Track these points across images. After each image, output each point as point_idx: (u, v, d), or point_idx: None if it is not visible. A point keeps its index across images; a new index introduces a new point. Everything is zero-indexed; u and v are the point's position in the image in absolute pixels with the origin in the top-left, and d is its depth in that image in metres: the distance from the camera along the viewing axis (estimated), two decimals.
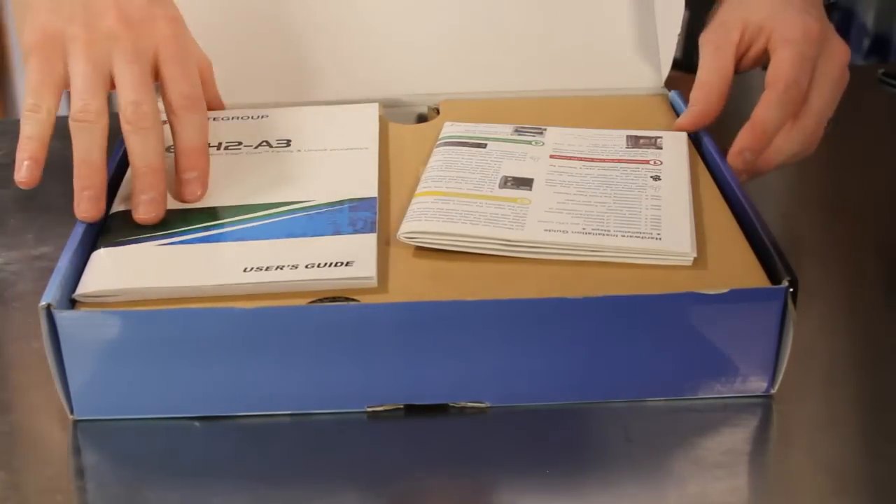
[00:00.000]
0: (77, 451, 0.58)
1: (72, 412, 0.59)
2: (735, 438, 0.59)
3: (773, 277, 0.60)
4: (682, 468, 0.56)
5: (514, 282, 0.60)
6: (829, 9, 1.81)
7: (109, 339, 0.57)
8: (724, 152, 0.71)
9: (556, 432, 0.58)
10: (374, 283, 0.60)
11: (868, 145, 0.89)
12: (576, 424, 0.59)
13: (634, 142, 0.72)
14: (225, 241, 0.63)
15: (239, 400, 0.59)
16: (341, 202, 0.66)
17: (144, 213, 0.64)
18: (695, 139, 0.74)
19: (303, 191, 0.67)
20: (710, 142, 0.72)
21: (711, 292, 0.57)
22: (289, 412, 0.59)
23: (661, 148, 0.72)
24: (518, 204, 0.65)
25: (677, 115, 0.77)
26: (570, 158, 0.70)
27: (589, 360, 0.59)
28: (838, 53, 0.74)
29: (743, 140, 0.71)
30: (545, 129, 0.74)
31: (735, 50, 0.75)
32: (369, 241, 0.62)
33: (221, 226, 0.64)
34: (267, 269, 0.60)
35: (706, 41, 0.76)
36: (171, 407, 0.59)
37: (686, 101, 0.77)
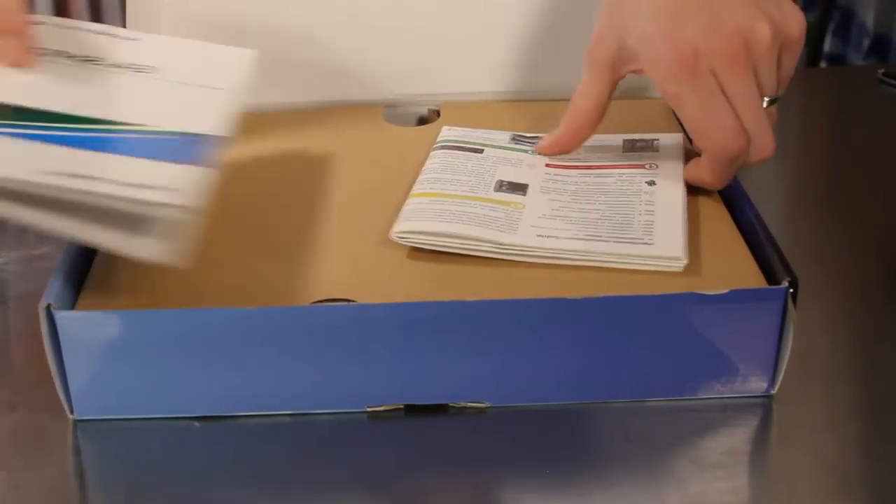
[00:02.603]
0: (77, 451, 0.58)
1: (72, 412, 0.59)
2: (735, 438, 0.59)
3: (773, 278, 0.60)
4: (682, 468, 0.56)
5: (514, 283, 0.60)
6: (829, 9, 1.81)
7: (109, 339, 0.57)
8: None
9: (556, 432, 0.58)
10: (184, 213, 0.56)
11: (868, 145, 0.89)
12: (576, 424, 0.59)
13: (631, 145, 0.72)
14: (35, 140, 0.59)
15: (239, 400, 0.59)
16: (173, 133, 0.62)
17: None
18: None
19: (135, 113, 0.63)
20: None
21: (711, 293, 0.57)
22: (289, 412, 0.59)
23: (657, 150, 0.72)
24: (512, 208, 0.65)
25: (678, 119, 0.77)
26: (567, 167, 0.70)
27: (589, 360, 0.59)
28: (763, 40, 0.61)
29: (691, 174, 0.68)
30: (542, 137, 0.73)
31: (613, 70, 0.67)
32: (191, 172, 0.58)
33: (38, 127, 0.60)
34: (71, 175, 0.56)
35: (586, 55, 0.68)
36: (170, 407, 0.59)
37: None
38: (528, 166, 0.70)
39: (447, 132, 0.75)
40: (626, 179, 0.68)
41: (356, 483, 0.56)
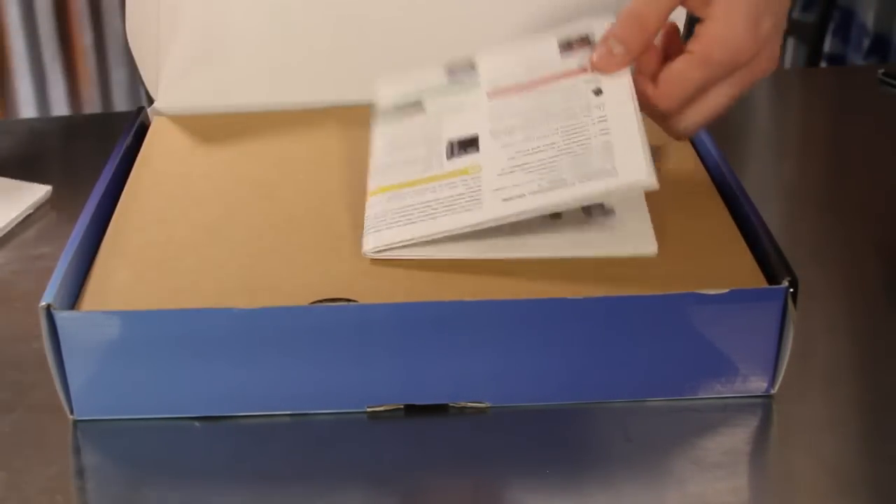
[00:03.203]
0: (77, 451, 0.58)
1: (72, 412, 0.59)
2: (735, 438, 0.59)
3: (773, 278, 0.60)
4: (682, 468, 0.56)
5: (514, 283, 0.60)
6: (829, 9, 1.82)
7: (109, 339, 0.57)
8: (725, 154, 0.71)
9: (556, 432, 0.58)
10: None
11: (868, 145, 0.89)
12: (576, 424, 0.59)
13: (567, 47, 0.69)
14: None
15: (239, 400, 0.59)
16: None
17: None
18: (695, 139, 0.74)
19: None
20: (710, 142, 0.72)
21: (711, 292, 0.57)
22: (289, 412, 0.59)
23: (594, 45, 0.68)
24: (470, 176, 0.63)
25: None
26: (508, 91, 0.68)
27: (589, 360, 0.59)
28: (757, 70, 0.64)
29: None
30: (477, 63, 0.71)
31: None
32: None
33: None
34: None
35: None
36: (171, 407, 0.59)
37: None
38: (472, 108, 0.68)
39: (383, 92, 0.72)
40: (571, 93, 0.65)
41: (356, 483, 0.56)
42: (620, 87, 0.65)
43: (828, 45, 1.91)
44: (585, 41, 0.68)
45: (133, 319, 0.57)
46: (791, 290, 0.58)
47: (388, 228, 0.63)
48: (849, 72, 1.16)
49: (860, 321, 0.68)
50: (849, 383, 0.63)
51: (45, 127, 0.94)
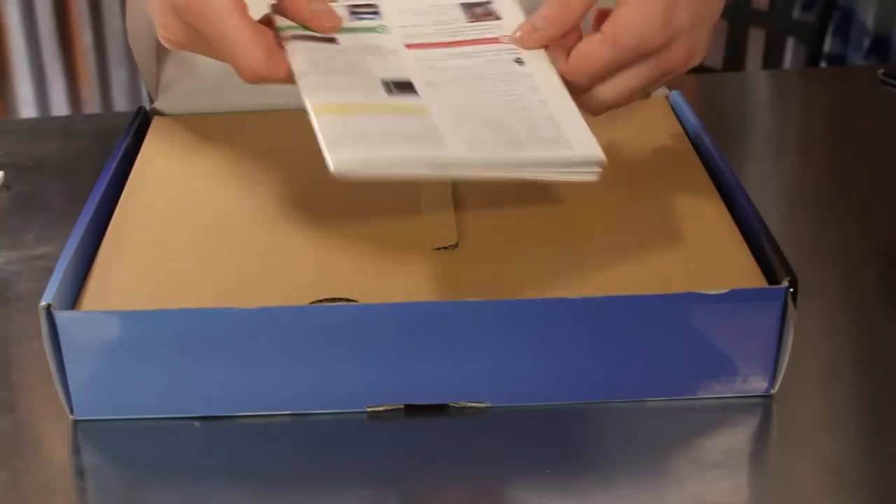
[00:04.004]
0: (77, 451, 0.58)
1: (72, 412, 0.59)
2: (735, 438, 0.59)
3: (773, 278, 0.60)
4: (682, 468, 0.56)
5: (514, 283, 0.60)
6: (829, 9, 1.82)
7: (109, 339, 0.57)
8: (725, 154, 0.71)
9: (556, 432, 0.58)
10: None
11: (868, 145, 0.89)
12: (576, 424, 0.59)
13: (472, 14, 0.68)
14: None
15: (239, 400, 0.59)
16: None
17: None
18: (695, 139, 0.74)
19: None
20: (710, 142, 0.72)
21: (712, 292, 0.57)
22: (289, 412, 0.59)
23: (499, 18, 0.68)
24: (419, 116, 0.60)
25: (678, 117, 0.77)
26: (426, 46, 0.66)
27: (589, 360, 0.59)
28: (670, 64, 0.64)
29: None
30: (379, 7, 0.69)
31: None
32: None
33: None
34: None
35: None
36: (171, 407, 0.59)
37: (687, 101, 0.76)
38: (392, 53, 0.66)
39: (283, 21, 0.67)
40: (494, 60, 0.65)
41: (356, 483, 0.56)
42: (540, 61, 0.65)
43: (828, 45, 1.91)
44: (489, 13, 0.68)
45: (133, 319, 0.57)
46: (791, 290, 0.58)
47: (354, 146, 0.57)
48: (849, 72, 1.16)
49: (860, 321, 0.68)
50: (849, 383, 0.63)
51: (45, 127, 0.94)
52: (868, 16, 1.85)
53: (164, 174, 0.71)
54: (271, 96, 0.80)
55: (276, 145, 0.75)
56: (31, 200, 0.80)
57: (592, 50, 0.63)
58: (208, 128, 0.77)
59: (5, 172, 0.81)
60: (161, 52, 0.80)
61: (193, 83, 0.80)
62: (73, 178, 0.82)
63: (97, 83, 2.26)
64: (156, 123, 0.78)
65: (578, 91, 0.64)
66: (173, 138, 0.76)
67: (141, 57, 0.80)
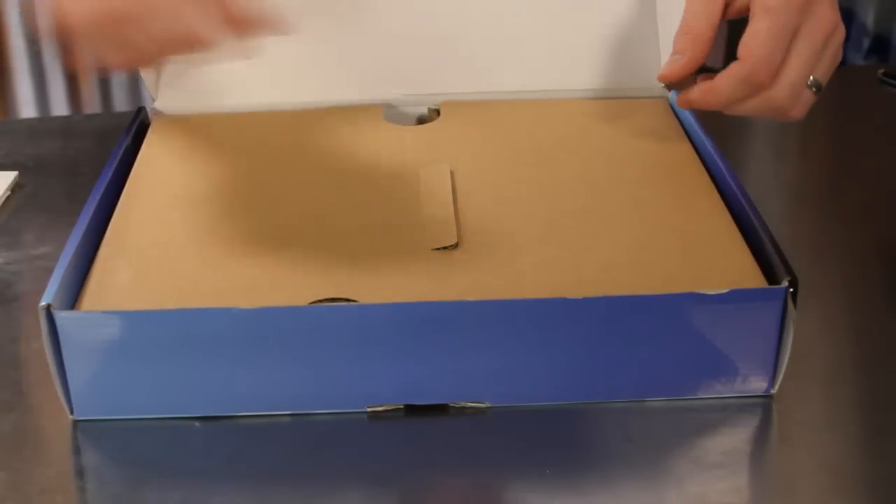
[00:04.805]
0: (77, 450, 0.58)
1: (72, 412, 0.59)
2: (735, 438, 0.59)
3: (773, 278, 0.60)
4: (682, 468, 0.56)
5: (514, 283, 0.60)
6: None
7: (109, 339, 0.57)
8: (725, 154, 0.71)
9: (556, 432, 0.58)
10: None
11: (868, 145, 0.89)
12: (576, 424, 0.59)
13: None
14: None
15: (239, 400, 0.59)
16: None
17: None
18: (695, 139, 0.74)
19: None
20: (710, 144, 0.72)
21: (712, 292, 0.57)
22: (289, 412, 0.59)
23: None
24: None
25: (678, 117, 0.77)
26: None
27: (589, 360, 0.59)
28: (823, 22, 0.68)
29: (695, 95, 0.69)
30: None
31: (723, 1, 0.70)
32: None
33: None
34: None
35: None
36: (171, 407, 0.59)
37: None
38: None
39: None
40: None
41: (356, 483, 0.56)
42: None
43: None
44: None
45: (133, 319, 0.57)
46: (791, 290, 0.58)
47: None
48: (849, 72, 1.16)
49: (860, 321, 0.68)
50: (849, 383, 0.63)
51: (45, 127, 0.94)
52: (868, 16, 1.85)
53: (164, 174, 0.71)
54: (272, 97, 0.80)
55: (276, 146, 0.75)
56: (31, 200, 0.80)
57: (755, 29, 0.66)
58: (209, 128, 0.77)
59: (7, 172, 0.81)
60: None
61: (193, 83, 0.80)
62: (73, 178, 0.82)
63: (97, 83, 2.25)
64: (156, 123, 0.78)
65: (763, 84, 0.67)
66: (174, 138, 0.76)
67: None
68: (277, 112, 0.79)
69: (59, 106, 2.23)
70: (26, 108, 2.22)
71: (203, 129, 0.77)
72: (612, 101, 0.81)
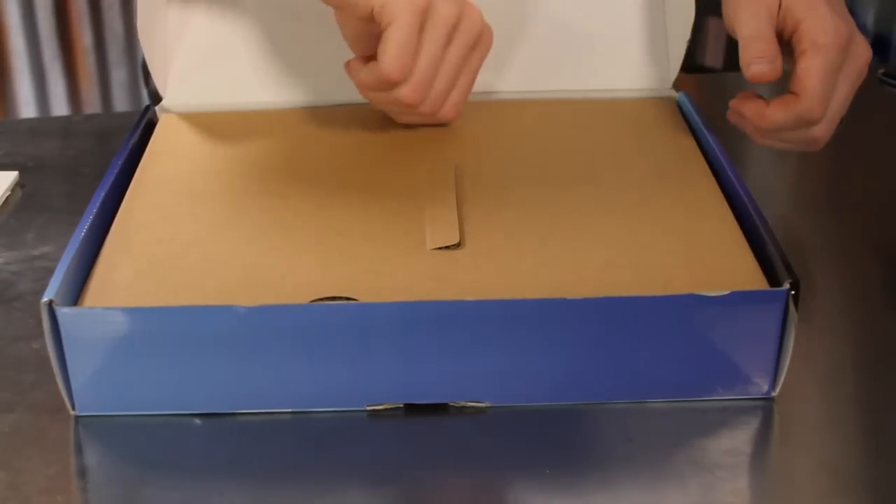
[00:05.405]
0: (78, 450, 0.58)
1: (73, 408, 0.59)
2: (736, 439, 0.59)
3: (775, 280, 0.60)
4: (682, 469, 0.56)
5: (514, 283, 0.60)
6: None
7: (111, 335, 0.57)
8: (727, 153, 0.71)
9: (556, 432, 0.58)
10: None
11: (868, 145, 0.89)
12: (576, 424, 0.59)
13: None
14: None
15: (239, 397, 0.59)
16: None
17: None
18: (701, 139, 0.74)
19: None
20: (715, 143, 0.72)
21: (713, 294, 0.57)
22: (289, 410, 0.59)
23: None
24: None
25: (685, 117, 0.77)
26: None
27: (589, 361, 0.59)
28: (861, 57, 0.72)
29: (748, 111, 0.71)
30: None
31: (774, 16, 0.72)
32: None
33: None
34: None
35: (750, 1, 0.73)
36: (172, 403, 0.59)
37: (693, 102, 0.76)
38: None
39: None
40: None
41: (356, 482, 0.56)
42: None
43: None
44: None
45: (134, 316, 0.57)
46: (792, 292, 0.58)
47: None
48: None
49: (860, 321, 0.68)
50: (849, 383, 0.63)
51: (45, 127, 0.94)
52: (868, 16, 1.85)
53: (170, 172, 0.71)
54: (279, 95, 0.80)
55: (282, 144, 0.75)
56: (31, 200, 0.80)
57: (807, 66, 0.69)
58: (216, 125, 0.77)
59: (7, 172, 0.81)
60: (169, 50, 0.80)
61: (201, 81, 0.80)
62: (73, 178, 0.82)
63: (97, 83, 2.25)
64: (163, 120, 0.78)
65: (812, 120, 0.70)
66: (180, 136, 0.76)
67: (151, 54, 0.80)
68: (283, 110, 0.79)
69: (59, 106, 2.23)
70: (26, 108, 2.22)
71: (209, 127, 0.77)
72: (619, 101, 0.80)
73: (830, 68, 0.69)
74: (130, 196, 0.68)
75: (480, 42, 0.73)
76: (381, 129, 0.77)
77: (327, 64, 0.80)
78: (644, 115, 0.78)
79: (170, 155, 0.73)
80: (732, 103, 0.71)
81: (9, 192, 0.79)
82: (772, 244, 0.61)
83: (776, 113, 0.70)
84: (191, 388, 0.58)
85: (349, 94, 0.76)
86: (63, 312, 0.57)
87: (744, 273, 0.61)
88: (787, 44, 0.72)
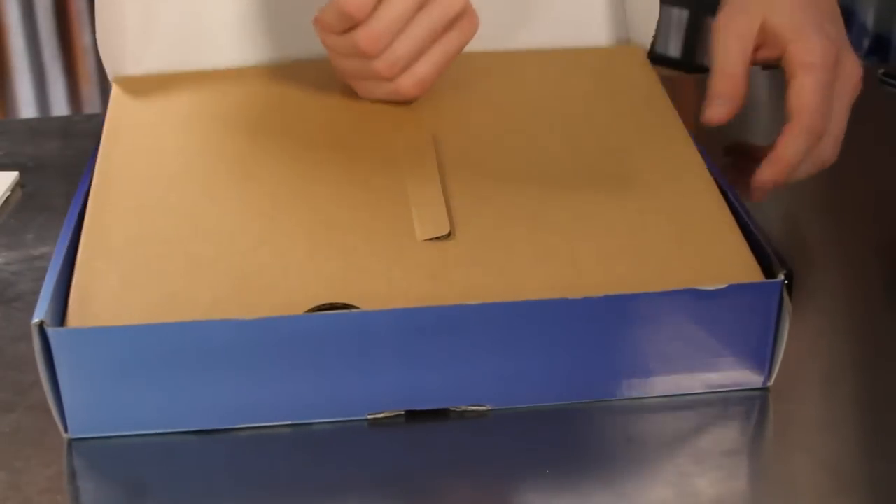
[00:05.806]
0: (78, 451, 0.58)
1: (66, 430, 0.58)
2: (735, 438, 0.59)
3: (769, 272, 0.60)
4: (681, 468, 0.56)
5: (514, 284, 0.60)
6: None
7: (104, 354, 0.55)
8: (722, 153, 0.71)
9: (556, 433, 0.58)
10: None
11: (868, 145, 0.89)
12: (576, 425, 0.59)
13: None
14: None
15: (238, 412, 0.58)
16: None
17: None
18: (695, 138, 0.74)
19: None
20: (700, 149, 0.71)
21: (710, 288, 0.57)
22: (289, 422, 0.59)
23: None
24: None
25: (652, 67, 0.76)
26: None
27: (589, 360, 0.59)
28: (853, 75, 0.71)
29: (766, 174, 0.69)
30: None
31: (754, 43, 0.72)
32: None
33: None
34: None
35: (727, 27, 0.72)
36: (169, 421, 0.58)
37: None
38: None
39: None
40: None
41: (359, 492, 0.55)
42: None
43: None
44: None
45: (128, 334, 0.55)
46: (786, 282, 0.58)
47: None
48: None
49: (860, 321, 0.68)
50: (848, 382, 0.63)
51: (45, 127, 0.94)
52: (868, 16, 1.85)
53: (133, 152, 0.68)
54: (244, 52, 0.77)
55: (247, 109, 0.72)
56: (31, 200, 0.80)
57: (801, 85, 0.69)
58: (175, 90, 0.73)
59: (7, 172, 0.81)
60: (127, 19, 0.77)
61: (161, 46, 0.76)
62: (73, 178, 0.82)
63: (97, 83, 2.25)
64: (117, 90, 0.73)
65: (813, 144, 0.69)
66: (139, 106, 0.72)
67: (105, 25, 0.77)
68: (246, 69, 0.76)
69: (59, 106, 2.23)
70: (26, 108, 2.22)
71: (170, 93, 0.73)
72: (587, 51, 0.79)
73: (822, 84, 0.69)
74: (96, 187, 0.65)
75: (461, 23, 0.69)
76: (350, 89, 0.73)
77: (291, 18, 0.76)
78: (613, 66, 0.76)
79: (130, 133, 0.69)
80: (754, 184, 0.70)
81: (9, 192, 0.79)
82: (762, 237, 0.61)
83: (783, 146, 0.69)
84: (188, 404, 0.57)
85: (314, 47, 0.72)
86: (54, 333, 0.55)
87: (740, 266, 0.60)
88: (779, 68, 0.72)
